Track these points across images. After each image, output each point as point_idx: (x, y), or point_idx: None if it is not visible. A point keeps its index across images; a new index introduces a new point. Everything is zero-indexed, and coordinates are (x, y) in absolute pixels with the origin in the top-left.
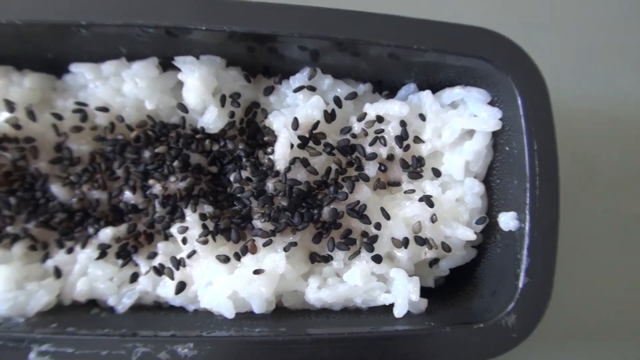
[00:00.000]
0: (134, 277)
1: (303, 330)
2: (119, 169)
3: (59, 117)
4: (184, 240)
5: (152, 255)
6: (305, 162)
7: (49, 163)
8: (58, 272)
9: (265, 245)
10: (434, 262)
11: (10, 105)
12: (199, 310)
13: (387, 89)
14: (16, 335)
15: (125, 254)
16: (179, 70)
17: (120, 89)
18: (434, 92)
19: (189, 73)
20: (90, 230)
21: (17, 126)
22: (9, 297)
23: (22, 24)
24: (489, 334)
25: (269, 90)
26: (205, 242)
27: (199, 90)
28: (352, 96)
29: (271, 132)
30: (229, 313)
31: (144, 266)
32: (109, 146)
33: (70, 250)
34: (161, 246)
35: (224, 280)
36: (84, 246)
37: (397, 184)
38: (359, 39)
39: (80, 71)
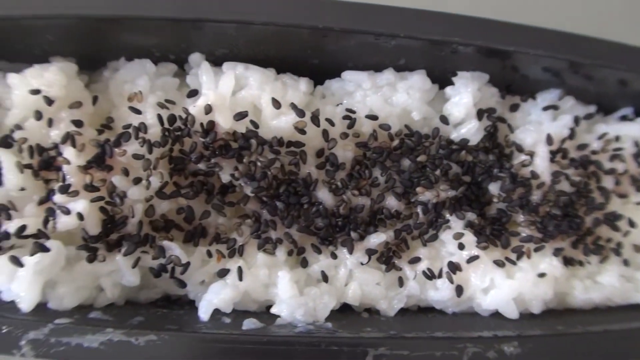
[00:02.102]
0: (400, 281)
1: (577, 327)
2: (381, 176)
3: (331, 123)
4: (461, 246)
5: (415, 260)
6: (565, 175)
7: (316, 168)
8: (325, 277)
9: (536, 250)
10: None
11: (298, 110)
12: (456, 313)
13: (602, 111)
14: (353, 339)
15: (387, 259)
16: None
17: (390, 98)
18: None
19: (462, 87)
20: (354, 235)
21: (302, 131)
22: (301, 302)
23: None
24: None
25: (515, 107)
26: (485, 248)
27: (468, 104)
28: (589, 117)
29: (514, 145)
30: (514, 314)
31: (409, 270)
32: (374, 153)
33: (334, 255)
34: (424, 251)
35: (507, 283)
36: (351, 251)
37: (624, 196)
38: (598, 63)
39: (354, 78)
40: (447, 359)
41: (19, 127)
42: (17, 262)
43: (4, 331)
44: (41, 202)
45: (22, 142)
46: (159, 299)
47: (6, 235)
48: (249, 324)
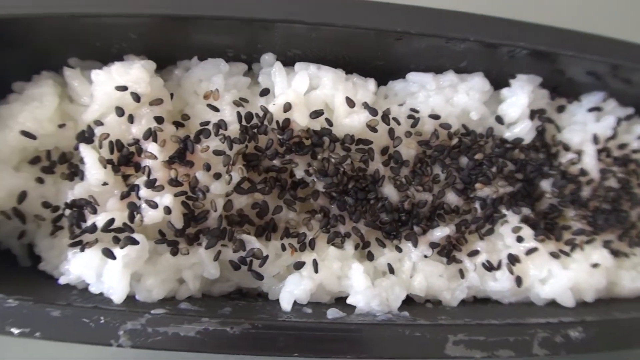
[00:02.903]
0: (461, 273)
1: (631, 312)
2: (442, 172)
3: (397, 121)
4: (520, 239)
5: (474, 253)
6: (612, 172)
7: (382, 165)
8: (391, 269)
9: (587, 242)
10: None
11: (371, 108)
12: (512, 303)
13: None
14: (434, 327)
15: (448, 252)
16: None
17: (451, 99)
18: None
19: (518, 89)
20: (417, 229)
21: (373, 129)
22: (375, 293)
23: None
24: None
25: (561, 109)
26: (542, 241)
27: (523, 105)
28: (628, 118)
29: (561, 144)
30: (571, 302)
31: (468, 263)
32: (435, 151)
33: (399, 249)
34: (481, 245)
35: (564, 274)
36: (415, 244)
37: None
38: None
39: (418, 79)
40: (520, 344)
41: (99, 122)
42: (110, 254)
43: (102, 322)
44: (123, 197)
45: (103, 137)
46: (232, 292)
47: (93, 229)
48: (333, 313)
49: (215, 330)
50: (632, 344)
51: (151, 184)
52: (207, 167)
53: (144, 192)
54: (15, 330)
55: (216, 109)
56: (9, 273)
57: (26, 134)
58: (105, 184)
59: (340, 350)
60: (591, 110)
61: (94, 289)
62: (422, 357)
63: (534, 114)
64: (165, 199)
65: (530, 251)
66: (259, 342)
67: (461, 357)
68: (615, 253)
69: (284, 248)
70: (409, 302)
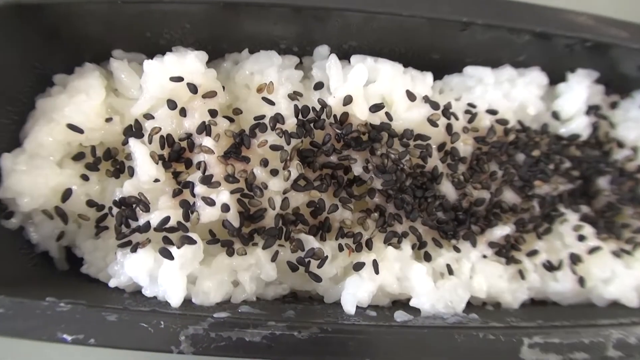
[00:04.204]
0: (521, 274)
1: None
2: (499, 169)
3: (455, 117)
4: (581, 238)
5: (532, 253)
6: None
7: (440, 162)
8: (450, 270)
9: None
10: None
11: (432, 102)
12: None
13: None
14: (508, 329)
15: (507, 252)
16: None
17: (508, 93)
18: None
19: (576, 84)
20: (475, 228)
21: (434, 124)
22: (438, 295)
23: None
24: None
25: (615, 105)
26: (605, 239)
27: (581, 100)
28: None
29: (615, 141)
30: (635, 302)
31: (528, 263)
32: (492, 147)
33: (457, 249)
34: (540, 244)
35: (628, 273)
36: (474, 244)
37: None
38: None
39: (476, 73)
40: (595, 346)
41: (149, 116)
42: (167, 254)
43: (161, 326)
44: (175, 195)
45: (154, 132)
46: (286, 295)
47: (146, 227)
48: (401, 316)
49: (283, 334)
50: None
51: (207, 180)
52: (265, 163)
53: (199, 188)
54: (68, 337)
55: (272, 103)
56: (49, 277)
57: (73, 127)
58: (156, 180)
59: (414, 355)
60: None
61: (147, 292)
62: None
63: (590, 109)
64: (223, 195)
65: (593, 250)
66: (329, 346)
67: None
68: None
69: (340, 248)
70: (467, 305)
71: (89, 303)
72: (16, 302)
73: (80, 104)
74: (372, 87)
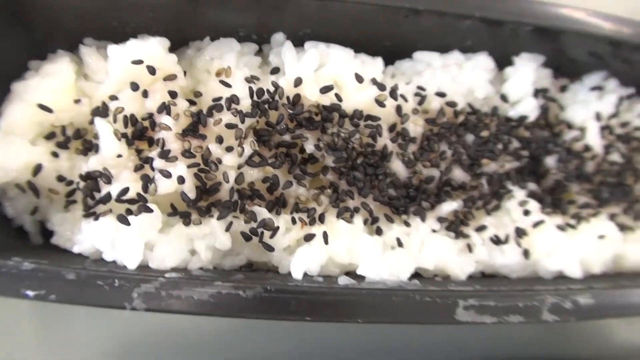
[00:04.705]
0: (469, 248)
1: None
2: (448, 149)
3: (405, 99)
4: (526, 213)
5: (481, 228)
6: (615, 147)
7: (390, 141)
8: (400, 243)
9: (593, 216)
10: None
11: (379, 84)
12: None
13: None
14: (444, 292)
15: (456, 227)
16: None
17: (457, 77)
18: None
19: (522, 67)
20: (425, 204)
21: (382, 104)
22: (384, 265)
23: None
24: None
25: (564, 88)
26: (549, 214)
27: (527, 83)
28: (630, 97)
29: (565, 123)
30: (578, 274)
31: (476, 237)
32: (442, 128)
33: (407, 224)
34: (489, 220)
35: (571, 245)
36: (423, 219)
37: None
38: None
39: (425, 58)
40: (530, 310)
41: (114, 97)
42: (124, 220)
43: (116, 285)
44: (136, 169)
45: (118, 111)
46: (242, 266)
47: (108, 198)
48: (344, 280)
49: (229, 293)
50: None
51: (165, 155)
52: (220, 140)
53: (157, 162)
54: (31, 293)
55: (228, 85)
56: (23, 248)
57: (43, 107)
58: (119, 156)
59: (352, 314)
60: (593, 89)
61: (107, 256)
62: (433, 322)
63: (538, 92)
64: (179, 168)
65: (537, 224)
66: (272, 305)
67: (472, 323)
68: (621, 227)
69: (294, 221)
70: (417, 277)
71: (51, 263)
72: None
73: (51, 86)
74: (323, 70)
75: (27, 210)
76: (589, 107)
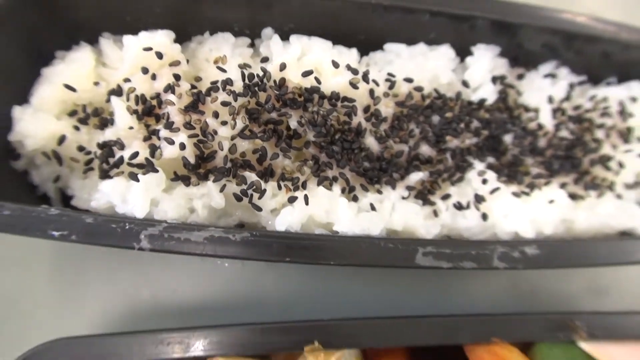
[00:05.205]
0: (435, 213)
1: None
2: (416, 128)
3: (376, 83)
4: (485, 182)
5: (446, 197)
6: (565, 125)
7: (365, 120)
8: (373, 207)
9: (545, 184)
10: None
11: (353, 69)
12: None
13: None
14: (405, 240)
15: (423, 196)
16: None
17: (422, 65)
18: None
19: (480, 57)
20: (395, 175)
21: (355, 86)
22: (357, 223)
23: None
24: None
25: (521, 76)
26: (504, 182)
27: (484, 70)
28: (581, 83)
29: (522, 107)
30: (530, 234)
31: (441, 204)
32: (410, 110)
33: (379, 191)
34: (453, 189)
35: (524, 208)
36: (394, 188)
37: (614, 146)
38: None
39: (394, 49)
40: (481, 257)
41: (127, 80)
42: (134, 177)
43: (127, 227)
44: (145, 139)
45: (130, 91)
46: (235, 225)
47: (121, 161)
48: (320, 231)
49: (220, 237)
50: (584, 263)
51: (169, 126)
52: (216, 115)
53: (163, 132)
54: (56, 233)
55: (224, 71)
56: None
57: (67, 87)
58: (131, 128)
59: (325, 257)
60: (546, 76)
61: (119, 209)
62: (396, 266)
63: (496, 79)
64: (181, 137)
65: (494, 191)
66: (257, 248)
67: (429, 267)
68: (573, 196)
69: (279, 187)
70: None
71: (73, 210)
72: (19, 207)
73: (74, 71)
74: (305, 58)
75: (50, 178)
76: (543, 92)
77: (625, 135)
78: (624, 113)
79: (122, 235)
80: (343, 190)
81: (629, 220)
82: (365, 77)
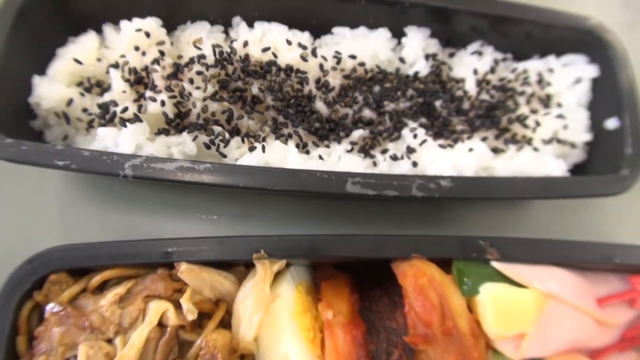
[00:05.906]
0: (374, 164)
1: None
2: (360, 95)
3: (325, 59)
4: (415, 136)
5: (384, 151)
6: (486, 90)
7: (315, 88)
8: (321, 158)
9: (468, 138)
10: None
11: (302, 45)
12: None
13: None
14: (338, 172)
15: (365, 151)
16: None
17: (364, 45)
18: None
19: (413, 37)
20: (342, 134)
21: (305, 59)
22: (305, 167)
23: None
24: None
25: (452, 55)
26: (432, 136)
27: (417, 48)
28: (505, 60)
29: (453, 80)
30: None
31: (380, 157)
32: (354, 81)
33: (327, 146)
34: (391, 145)
35: (447, 155)
36: (339, 143)
37: (535, 111)
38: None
39: (340, 32)
40: (402, 187)
41: (123, 55)
42: (124, 124)
43: (115, 159)
44: (135, 101)
45: (124, 64)
46: None
47: (114, 115)
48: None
49: (188, 167)
50: (491, 195)
51: (153, 88)
52: (191, 81)
53: (148, 93)
54: (60, 163)
55: (199, 49)
56: None
57: (76, 60)
58: (124, 92)
59: (269, 183)
60: (473, 53)
61: (111, 150)
62: (329, 192)
63: (428, 56)
64: (162, 96)
65: (422, 142)
66: (216, 175)
67: (357, 194)
68: (495, 150)
69: (243, 141)
70: None
71: (73, 147)
72: (33, 143)
73: (82, 49)
74: (265, 38)
75: (60, 136)
76: (470, 67)
77: (545, 102)
78: (542, 82)
79: (110, 165)
80: (297, 146)
81: (544, 167)
82: (314, 52)
